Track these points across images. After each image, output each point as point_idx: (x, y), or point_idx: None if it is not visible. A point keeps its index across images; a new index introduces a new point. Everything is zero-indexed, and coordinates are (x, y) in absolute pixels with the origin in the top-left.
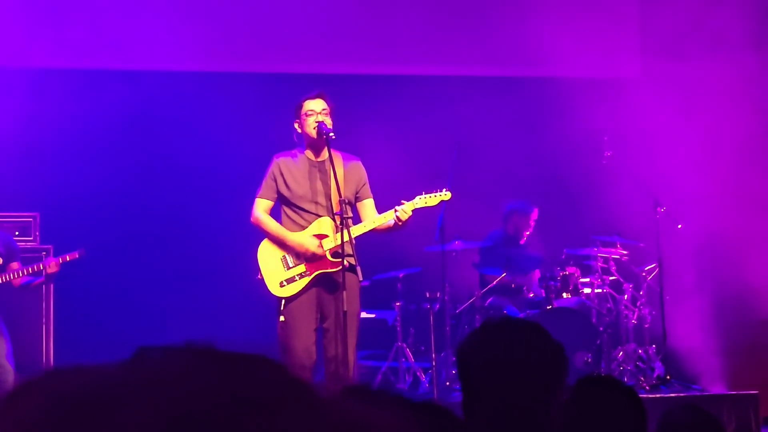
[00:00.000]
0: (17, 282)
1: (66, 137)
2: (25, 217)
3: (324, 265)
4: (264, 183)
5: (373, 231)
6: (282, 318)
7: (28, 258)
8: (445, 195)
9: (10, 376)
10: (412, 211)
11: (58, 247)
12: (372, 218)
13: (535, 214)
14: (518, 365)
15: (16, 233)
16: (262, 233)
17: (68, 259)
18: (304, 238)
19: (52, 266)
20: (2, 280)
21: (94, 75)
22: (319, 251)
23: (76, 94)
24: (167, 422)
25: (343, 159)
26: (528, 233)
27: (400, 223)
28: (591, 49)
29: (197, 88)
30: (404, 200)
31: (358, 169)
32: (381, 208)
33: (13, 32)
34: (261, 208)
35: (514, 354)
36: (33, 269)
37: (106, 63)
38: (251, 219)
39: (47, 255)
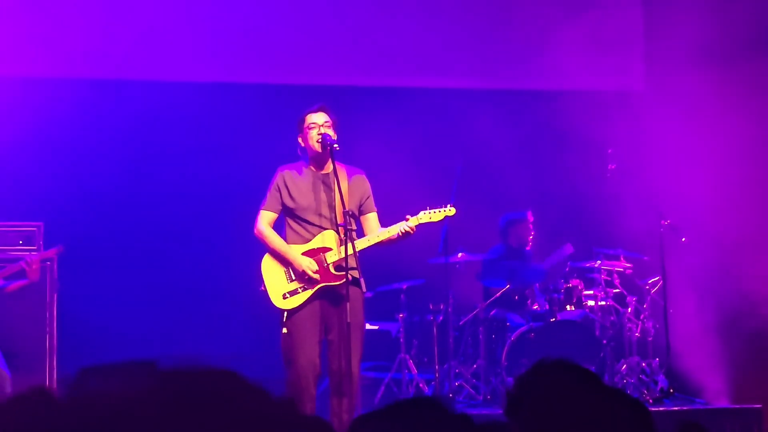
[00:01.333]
0: None
1: (70, 147)
2: (29, 226)
3: (327, 279)
4: (268, 195)
5: (376, 244)
6: (285, 330)
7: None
8: (450, 211)
9: (7, 382)
10: (416, 226)
11: (62, 257)
12: (376, 232)
13: (530, 216)
14: (570, 410)
15: (20, 242)
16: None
17: (47, 256)
18: (304, 261)
19: (27, 264)
20: None
21: (100, 85)
22: (316, 277)
23: (82, 104)
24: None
25: (348, 172)
26: (531, 237)
27: (403, 237)
28: (595, 62)
29: (202, 99)
30: (409, 215)
31: (363, 182)
32: (385, 221)
33: (17, 42)
34: (265, 220)
35: (568, 398)
36: (8, 272)
37: (111, 73)
38: (255, 231)
39: (51, 264)
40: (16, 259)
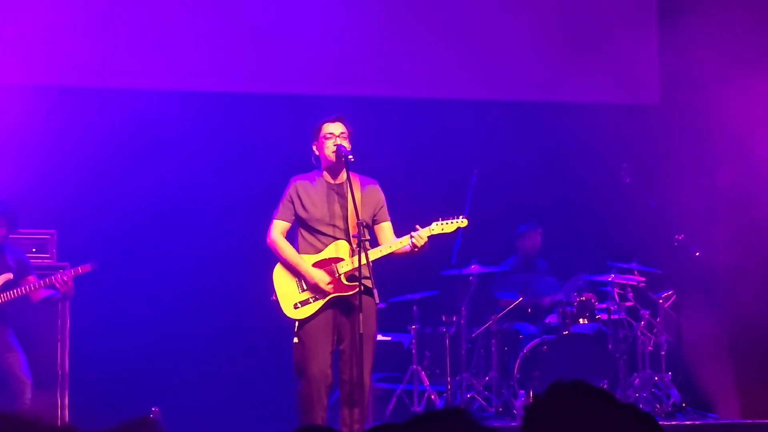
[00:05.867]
0: (36, 296)
1: (84, 156)
2: (43, 234)
3: (339, 289)
4: (281, 205)
5: (389, 255)
6: (296, 339)
7: (46, 275)
8: (462, 222)
9: (28, 388)
10: (429, 237)
11: (75, 264)
12: (389, 243)
13: (539, 232)
14: (585, 430)
15: (33, 250)
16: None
17: (81, 272)
18: (316, 273)
19: (63, 284)
20: (15, 294)
21: (112, 93)
22: (328, 289)
23: (95, 113)
24: None
25: (361, 182)
26: (539, 248)
27: (416, 249)
28: (610, 75)
29: (216, 109)
30: (419, 226)
31: (376, 192)
32: (398, 232)
33: (30, 50)
34: (278, 230)
35: (583, 420)
36: (48, 281)
37: (125, 82)
38: (267, 240)
39: (64, 272)
40: (46, 275)
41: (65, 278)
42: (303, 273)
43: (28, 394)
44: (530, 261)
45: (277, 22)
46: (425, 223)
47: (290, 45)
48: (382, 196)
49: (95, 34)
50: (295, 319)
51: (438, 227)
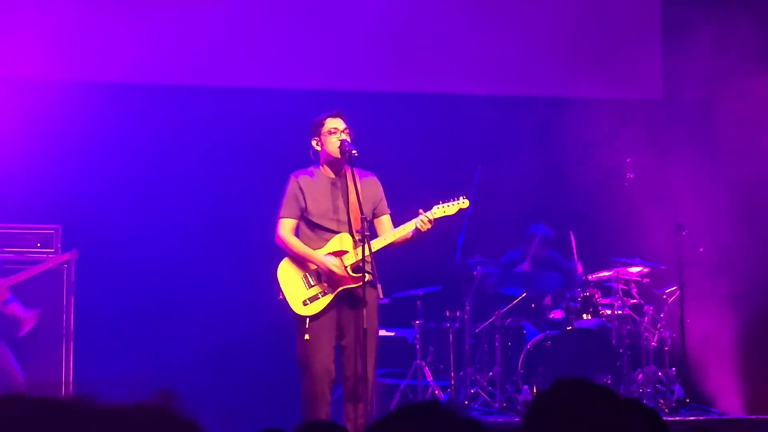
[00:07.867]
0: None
1: (89, 150)
2: (47, 229)
3: (346, 281)
4: (285, 202)
5: (390, 244)
6: (307, 336)
7: (52, 270)
8: (463, 203)
9: (20, 380)
10: (432, 221)
11: (79, 260)
12: (392, 231)
13: (538, 233)
14: (586, 429)
15: (38, 245)
16: (283, 253)
17: (61, 261)
18: (329, 260)
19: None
20: None
21: (117, 88)
22: (339, 272)
23: (100, 108)
24: None
25: (359, 176)
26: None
27: (418, 236)
28: (614, 71)
29: (218, 104)
30: (422, 209)
31: (375, 185)
32: (398, 224)
33: (37, 46)
34: (286, 228)
35: (584, 418)
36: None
37: (129, 77)
38: (276, 239)
39: (68, 267)
40: (34, 262)
41: (48, 266)
42: (317, 263)
43: (22, 387)
44: (537, 260)
45: (278, 17)
46: (426, 209)
47: (290, 40)
48: (381, 188)
49: (99, 29)
50: (306, 316)
51: (440, 210)
